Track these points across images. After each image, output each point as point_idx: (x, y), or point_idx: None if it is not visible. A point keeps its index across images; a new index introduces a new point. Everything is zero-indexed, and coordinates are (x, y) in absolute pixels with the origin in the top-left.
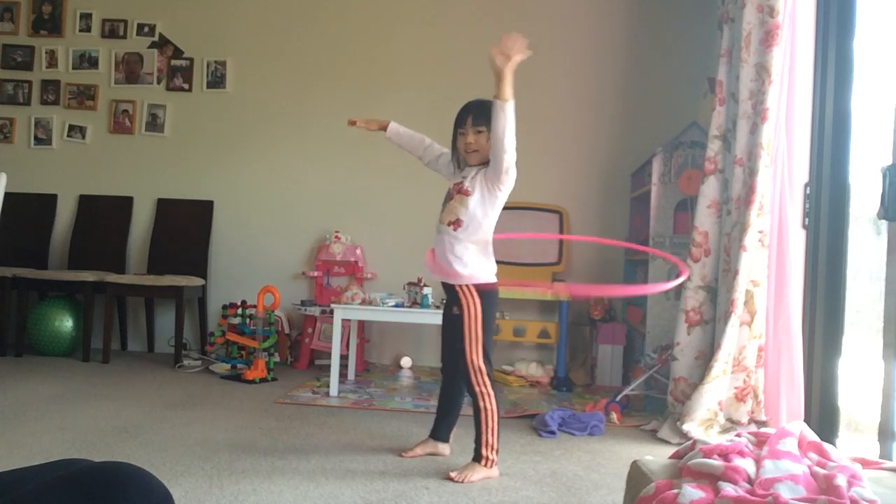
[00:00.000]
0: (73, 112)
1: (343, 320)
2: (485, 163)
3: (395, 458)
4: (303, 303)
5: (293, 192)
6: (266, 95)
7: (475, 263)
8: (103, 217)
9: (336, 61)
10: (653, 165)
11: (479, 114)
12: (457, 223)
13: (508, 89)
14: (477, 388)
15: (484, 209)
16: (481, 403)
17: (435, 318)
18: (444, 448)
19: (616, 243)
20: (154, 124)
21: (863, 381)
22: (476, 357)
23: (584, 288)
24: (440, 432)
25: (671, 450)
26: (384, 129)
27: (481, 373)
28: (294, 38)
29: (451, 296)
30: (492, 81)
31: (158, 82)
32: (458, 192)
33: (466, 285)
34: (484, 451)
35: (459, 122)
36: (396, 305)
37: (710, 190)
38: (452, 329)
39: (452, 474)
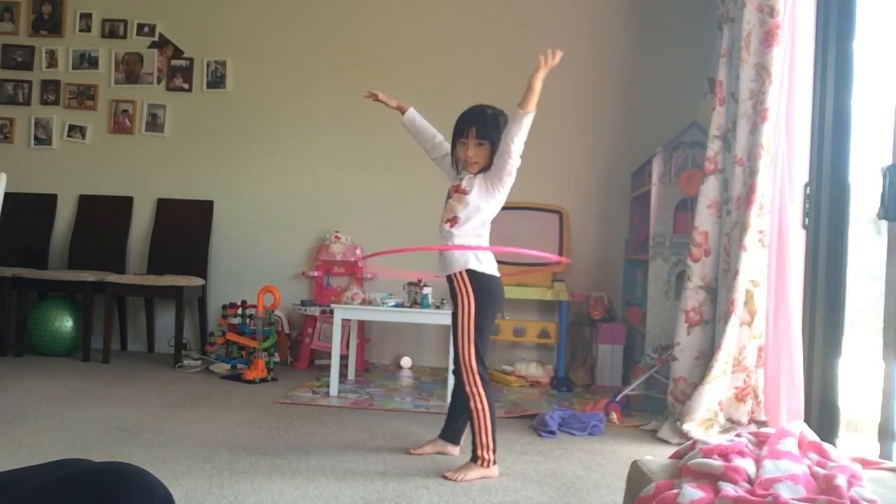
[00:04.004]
0: (73, 112)
1: (343, 320)
2: (484, 169)
3: (395, 458)
4: (303, 303)
5: (293, 192)
6: (266, 95)
7: (470, 255)
8: (103, 217)
9: (336, 61)
10: (653, 165)
11: (482, 125)
12: (453, 220)
13: (534, 102)
14: (468, 389)
15: (480, 206)
16: (472, 404)
17: (434, 318)
18: (453, 449)
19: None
20: (154, 124)
21: (863, 381)
22: (468, 356)
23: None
24: (450, 434)
25: (671, 450)
26: (402, 111)
27: (473, 373)
28: (294, 38)
29: (451, 292)
30: (492, 81)
31: (158, 82)
32: (456, 192)
33: (459, 273)
34: (479, 451)
35: (461, 131)
36: (396, 305)
37: (710, 190)
38: (452, 327)
39: (448, 473)
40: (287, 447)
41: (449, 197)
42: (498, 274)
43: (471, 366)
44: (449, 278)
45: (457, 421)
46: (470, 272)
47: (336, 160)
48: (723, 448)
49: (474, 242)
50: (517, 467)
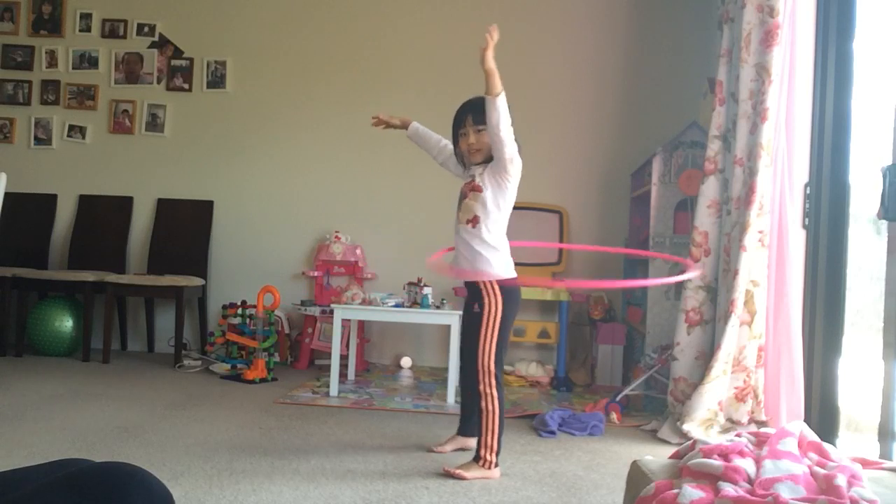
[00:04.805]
0: (73, 112)
1: (343, 320)
2: (489, 159)
3: (395, 458)
4: (303, 303)
5: (293, 191)
6: (266, 95)
7: (498, 259)
8: (103, 217)
9: (336, 61)
10: (653, 165)
11: (478, 112)
12: (474, 220)
13: (496, 83)
14: (481, 388)
15: (497, 202)
16: (483, 405)
17: (435, 318)
18: (473, 443)
19: (617, 250)
20: (154, 124)
21: (863, 381)
22: (487, 358)
23: (585, 282)
24: (467, 429)
25: (671, 450)
26: (406, 126)
27: (489, 374)
28: (294, 38)
29: (473, 293)
30: None
31: (158, 82)
32: (471, 191)
33: (490, 282)
34: (482, 452)
35: (459, 123)
36: (396, 305)
37: (710, 190)
38: (470, 327)
39: (448, 467)
40: (287, 447)
41: (464, 196)
42: (515, 274)
43: (489, 367)
44: (474, 282)
45: (472, 416)
46: (501, 282)
47: (336, 160)
48: (723, 448)
49: (496, 241)
50: (517, 467)
